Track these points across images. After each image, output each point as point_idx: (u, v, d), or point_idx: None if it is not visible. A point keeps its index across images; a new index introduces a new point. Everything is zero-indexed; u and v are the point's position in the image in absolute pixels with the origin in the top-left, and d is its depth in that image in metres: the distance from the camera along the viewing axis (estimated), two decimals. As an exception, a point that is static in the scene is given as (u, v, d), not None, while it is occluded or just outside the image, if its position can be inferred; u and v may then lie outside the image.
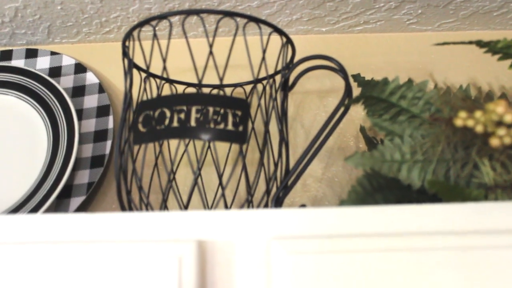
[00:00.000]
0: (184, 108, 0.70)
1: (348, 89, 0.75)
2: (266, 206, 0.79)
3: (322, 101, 1.00)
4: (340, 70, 0.75)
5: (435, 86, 0.70)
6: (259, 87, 0.94)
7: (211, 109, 0.69)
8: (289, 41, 0.80)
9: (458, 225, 0.55)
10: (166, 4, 0.96)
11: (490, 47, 0.73)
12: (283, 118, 0.78)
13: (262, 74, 0.85)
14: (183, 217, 0.55)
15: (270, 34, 0.77)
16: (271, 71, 0.84)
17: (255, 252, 0.54)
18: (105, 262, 0.52)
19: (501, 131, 0.57)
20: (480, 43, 0.73)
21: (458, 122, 0.58)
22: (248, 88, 0.94)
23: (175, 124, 0.70)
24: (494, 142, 0.57)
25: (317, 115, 0.99)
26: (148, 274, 0.52)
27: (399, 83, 0.72)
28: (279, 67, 0.84)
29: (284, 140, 0.76)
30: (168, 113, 0.70)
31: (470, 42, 0.73)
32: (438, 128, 0.66)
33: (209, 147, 0.92)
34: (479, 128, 0.58)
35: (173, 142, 0.97)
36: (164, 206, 0.77)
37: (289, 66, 0.80)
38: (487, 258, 0.53)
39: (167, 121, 0.70)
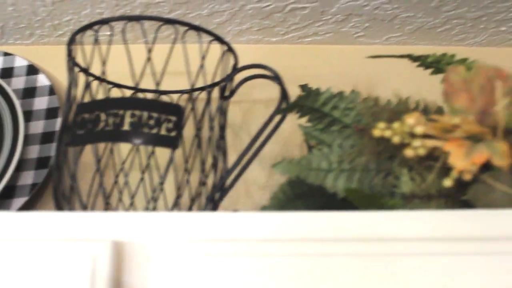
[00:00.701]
0: (119, 112, 0.71)
1: (283, 97, 0.77)
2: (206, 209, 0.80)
3: (269, 109, 1.01)
4: (275, 77, 0.77)
5: (366, 98, 0.72)
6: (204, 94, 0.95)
7: (145, 114, 0.71)
8: (230, 50, 0.82)
9: (374, 232, 0.57)
10: (118, 10, 0.97)
11: (421, 61, 0.75)
12: (220, 125, 0.80)
13: (209, 81, 0.87)
14: (100, 218, 0.56)
15: (210, 42, 0.78)
16: (217, 79, 0.85)
17: (172, 254, 0.56)
18: (19, 260, 0.53)
19: (416, 142, 0.59)
20: (412, 57, 0.75)
21: (376, 133, 0.60)
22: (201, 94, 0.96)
23: (109, 127, 0.71)
24: (409, 153, 0.59)
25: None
26: (63, 272, 0.53)
27: (331, 94, 0.74)
28: (222, 75, 0.86)
29: (220, 146, 0.78)
30: (103, 117, 0.72)
31: (402, 56, 0.75)
32: (363, 138, 0.68)
33: (153, 152, 0.93)
34: (396, 139, 0.60)
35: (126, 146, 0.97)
36: (107, 208, 0.78)
37: (233, 74, 0.82)
38: (398, 265, 0.55)
39: (102, 125, 0.71)
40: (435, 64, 0.73)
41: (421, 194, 0.64)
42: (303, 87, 0.85)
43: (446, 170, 0.62)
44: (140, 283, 0.55)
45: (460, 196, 0.62)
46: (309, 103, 0.74)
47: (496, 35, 1.04)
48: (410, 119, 0.56)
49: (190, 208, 0.80)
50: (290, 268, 0.54)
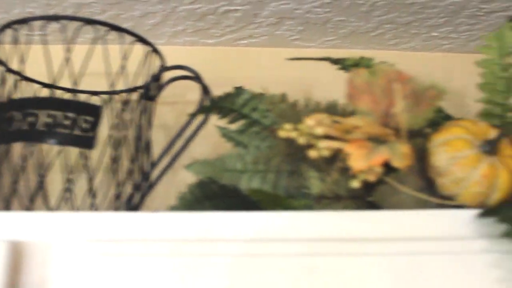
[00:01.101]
0: (35, 112, 0.70)
1: (204, 97, 0.77)
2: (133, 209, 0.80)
3: (202, 111, 1.02)
4: (196, 77, 0.77)
5: (283, 98, 0.72)
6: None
7: (61, 114, 0.70)
8: (154, 51, 0.81)
9: (276, 233, 0.57)
10: (49, 9, 0.97)
11: (341, 64, 0.76)
12: (144, 125, 0.79)
13: (138, 82, 0.86)
14: (-3, 218, 0.55)
15: (133, 42, 0.78)
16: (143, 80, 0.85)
17: (71, 254, 0.55)
18: None
19: (322, 144, 0.59)
20: (331, 60, 0.76)
21: (282, 134, 0.60)
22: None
23: (25, 127, 0.70)
24: (313, 154, 0.59)
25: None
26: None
27: (251, 95, 0.74)
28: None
29: (139, 147, 0.77)
30: (19, 116, 0.71)
31: (321, 59, 0.76)
32: (278, 140, 0.68)
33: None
34: (301, 140, 0.60)
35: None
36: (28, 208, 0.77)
37: (156, 76, 0.82)
38: (294, 265, 0.55)
39: (17, 124, 0.70)
40: (354, 67, 0.74)
41: (330, 195, 0.64)
42: (238, 89, 0.85)
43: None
44: (38, 283, 0.55)
45: (368, 197, 0.63)
46: (228, 104, 0.74)
47: (429, 40, 1.05)
48: (310, 121, 0.56)
49: (116, 208, 0.80)
50: (179, 266, 0.54)
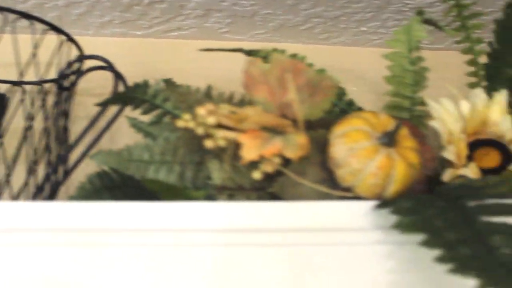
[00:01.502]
0: None
1: (116, 87, 0.76)
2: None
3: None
4: (109, 67, 0.76)
5: (188, 90, 0.71)
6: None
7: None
8: (70, 40, 0.80)
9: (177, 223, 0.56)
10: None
11: (254, 55, 0.75)
12: (60, 116, 0.78)
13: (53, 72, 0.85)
14: None
15: (45, 31, 0.77)
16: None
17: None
18: None
19: (219, 133, 0.58)
20: (244, 51, 0.76)
21: (180, 124, 0.59)
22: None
23: None
24: (209, 144, 0.58)
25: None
26: None
27: (160, 86, 0.73)
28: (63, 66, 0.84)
29: (55, 138, 0.76)
30: None
31: (234, 50, 0.75)
32: (184, 131, 0.67)
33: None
34: (199, 130, 0.59)
35: None
36: None
37: (69, 65, 0.80)
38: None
39: None
40: (266, 59, 0.74)
41: (233, 185, 0.64)
42: (167, 81, 0.84)
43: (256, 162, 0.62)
44: None
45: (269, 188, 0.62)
46: (139, 95, 0.73)
47: (359, 35, 1.06)
48: (201, 110, 0.55)
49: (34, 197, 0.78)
50: (78, 256, 0.53)
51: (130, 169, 0.67)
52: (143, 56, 1.07)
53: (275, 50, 0.74)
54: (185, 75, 1.02)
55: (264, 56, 0.73)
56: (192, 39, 1.06)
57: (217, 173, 0.64)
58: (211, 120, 0.56)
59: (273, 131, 0.59)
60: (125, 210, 0.54)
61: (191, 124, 0.60)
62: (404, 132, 0.62)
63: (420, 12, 0.71)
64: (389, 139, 0.60)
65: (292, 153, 0.55)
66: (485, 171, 0.68)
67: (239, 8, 0.97)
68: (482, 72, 0.81)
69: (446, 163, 0.69)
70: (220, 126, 0.58)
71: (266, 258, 0.56)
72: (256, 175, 0.61)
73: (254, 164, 0.62)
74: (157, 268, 0.54)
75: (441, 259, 0.48)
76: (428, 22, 0.73)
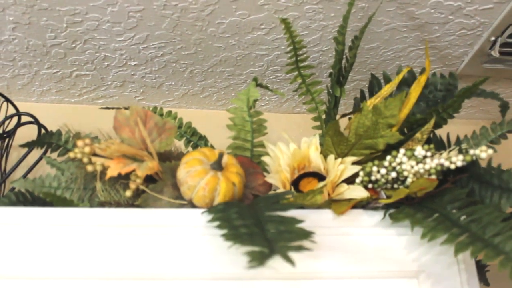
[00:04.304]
0: None
1: (39, 135, 1.02)
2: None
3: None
4: (35, 121, 1.02)
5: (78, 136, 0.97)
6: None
7: None
8: (7, 100, 1.07)
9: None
10: None
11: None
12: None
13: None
14: None
15: (-13, 94, 1.03)
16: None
17: None
18: None
19: (95, 160, 0.84)
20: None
21: (71, 155, 0.85)
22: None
23: None
24: (89, 168, 0.84)
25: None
26: None
27: (70, 134, 0.99)
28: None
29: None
30: None
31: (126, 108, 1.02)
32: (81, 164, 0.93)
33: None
34: (85, 160, 0.85)
35: None
36: None
37: (3, 121, 1.07)
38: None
39: None
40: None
41: (112, 202, 0.89)
42: (75, 133, 1.10)
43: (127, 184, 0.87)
44: None
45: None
46: (55, 140, 0.99)
47: (248, 101, 1.33)
48: (79, 142, 0.81)
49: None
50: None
51: (44, 191, 0.92)
52: (77, 120, 1.33)
53: (159, 108, 1.01)
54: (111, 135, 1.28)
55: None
56: (114, 106, 1.33)
57: (101, 193, 0.89)
58: (87, 149, 0.82)
59: (134, 159, 0.84)
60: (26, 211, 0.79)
61: (78, 155, 0.86)
62: (232, 161, 0.88)
63: (255, 79, 0.99)
64: (217, 165, 0.85)
65: (142, 173, 0.81)
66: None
67: (148, 80, 1.25)
68: (324, 125, 1.08)
69: (276, 187, 0.95)
70: (92, 155, 0.84)
71: (132, 242, 0.80)
72: (128, 193, 0.86)
73: (126, 186, 0.87)
74: (43, 244, 0.78)
75: (225, 235, 0.72)
76: (260, 85, 1.01)
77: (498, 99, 0.97)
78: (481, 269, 1.12)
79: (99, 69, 1.19)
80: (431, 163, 0.83)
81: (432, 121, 0.90)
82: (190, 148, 1.06)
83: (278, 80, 1.25)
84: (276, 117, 1.38)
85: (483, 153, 0.79)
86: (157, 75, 1.21)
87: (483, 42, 1.12)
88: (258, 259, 0.59)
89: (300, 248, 0.64)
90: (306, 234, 0.71)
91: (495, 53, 1.14)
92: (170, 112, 1.03)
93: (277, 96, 1.30)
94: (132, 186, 0.84)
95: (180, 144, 1.05)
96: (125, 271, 0.77)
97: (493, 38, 1.12)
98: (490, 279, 1.14)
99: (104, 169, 0.84)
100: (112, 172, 0.80)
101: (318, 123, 1.10)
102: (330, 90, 1.06)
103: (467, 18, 1.06)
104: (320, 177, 0.96)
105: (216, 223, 0.76)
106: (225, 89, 1.27)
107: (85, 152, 0.82)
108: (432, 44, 1.14)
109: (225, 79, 1.23)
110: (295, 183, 0.94)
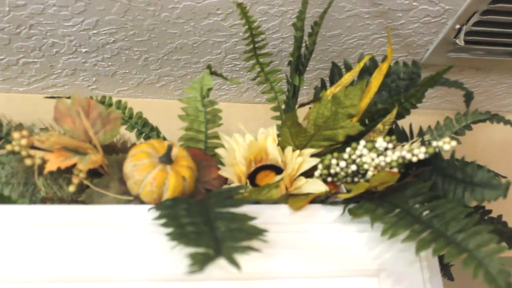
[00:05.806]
0: None
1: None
2: None
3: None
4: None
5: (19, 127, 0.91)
6: None
7: None
8: None
9: None
10: None
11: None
12: None
13: None
14: None
15: None
16: None
17: None
18: None
19: (34, 153, 0.78)
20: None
21: (8, 147, 0.79)
22: None
23: None
24: (27, 162, 0.78)
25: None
26: None
27: (11, 126, 0.92)
28: None
29: None
30: None
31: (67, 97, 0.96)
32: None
33: None
34: (23, 153, 0.79)
35: None
36: None
37: None
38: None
39: None
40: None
41: (55, 197, 0.83)
42: (17, 125, 1.03)
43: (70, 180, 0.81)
44: None
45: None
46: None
47: (206, 91, 1.28)
48: (16, 134, 0.75)
49: None
50: None
51: (-15, 186, 0.85)
52: (25, 109, 1.26)
53: (104, 97, 0.95)
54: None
55: (110, 104, 0.94)
56: (65, 95, 1.26)
57: (43, 188, 0.83)
58: (24, 141, 0.75)
59: (77, 152, 0.78)
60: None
61: (16, 148, 0.79)
62: (182, 154, 0.83)
63: (209, 67, 0.94)
64: (166, 158, 0.80)
65: (84, 166, 0.75)
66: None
67: (100, 68, 1.18)
68: (283, 115, 1.03)
69: (231, 181, 0.90)
70: (37, 148, 0.78)
71: (80, 241, 0.75)
72: (71, 188, 0.80)
73: (70, 180, 0.81)
74: None
75: (170, 234, 0.67)
76: (215, 73, 0.95)
77: (463, 88, 0.93)
78: (445, 264, 1.08)
79: (48, 56, 1.13)
80: (393, 156, 0.79)
81: (394, 111, 0.86)
82: (142, 140, 1.01)
83: (237, 69, 1.19)
84: (236, 107, 1.33)
85: (446, 145, 0.75)
86: (109, 63, 1.15)
87: (447, 30, 1.08)
88: (200, 263, 0.54)
89: (247, 249, 0.59)
90: (258, 232, 0.66)
91: (460, 41, 1.10)
92: (119, 101, 0.97)
93: (237, 86, 1.25)
94: (75, 180, 0.78)
95: (131, 135, 0.99)
96: (67, 273, 0.72)
97: (458, 26, 1.08)
98: (455, 274, 1.10)
99: (44, 162, 0.78)
100: (51, 166, 0.74)
101: (278, 113, 1.05)
102: (290, 79, 1.01)
103: (431, 4, 1.02)
104: (278, 170, 0.91)
105: (163, 220, 0.71)
106: (182, 77, 1.21)
107: (22, 144, 0.75)
108: (396, 32, 1.10)
109: (182, 67, 1.17)
110: (252, 176, 0.89)
